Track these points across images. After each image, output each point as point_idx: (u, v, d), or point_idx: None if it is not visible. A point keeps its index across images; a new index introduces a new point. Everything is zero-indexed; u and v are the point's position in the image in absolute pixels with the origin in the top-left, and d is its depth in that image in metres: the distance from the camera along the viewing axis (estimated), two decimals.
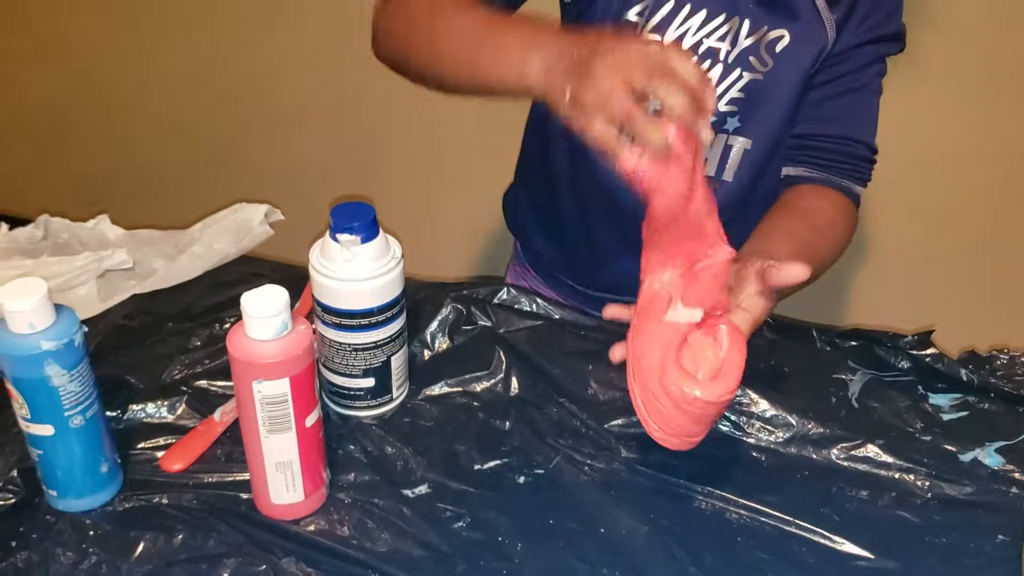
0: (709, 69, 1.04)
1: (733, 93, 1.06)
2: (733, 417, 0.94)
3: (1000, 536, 0.83)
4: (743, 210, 1.15)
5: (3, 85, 2.12)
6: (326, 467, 0.83)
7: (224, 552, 0.77)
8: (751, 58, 1.04)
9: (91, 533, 0.79)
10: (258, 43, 1.84)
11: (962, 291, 1.62)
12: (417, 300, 1.06)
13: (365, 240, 0.85)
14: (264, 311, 0.72)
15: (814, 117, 1.09)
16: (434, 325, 1.04)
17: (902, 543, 0.82)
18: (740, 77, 1.05)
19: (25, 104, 2.11)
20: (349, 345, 0.88)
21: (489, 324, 1.05)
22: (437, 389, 0.98)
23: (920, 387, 0.99)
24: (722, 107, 1.07)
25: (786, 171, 1.12)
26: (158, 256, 1.10)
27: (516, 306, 1.09)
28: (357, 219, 0.84)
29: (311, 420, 0.78)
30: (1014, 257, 1.56)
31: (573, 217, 1.22)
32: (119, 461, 0.84)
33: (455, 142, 1.70)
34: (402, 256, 0.88)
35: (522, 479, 0.88)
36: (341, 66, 1.79)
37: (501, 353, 1.00)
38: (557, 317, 1.08)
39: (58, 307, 0.75)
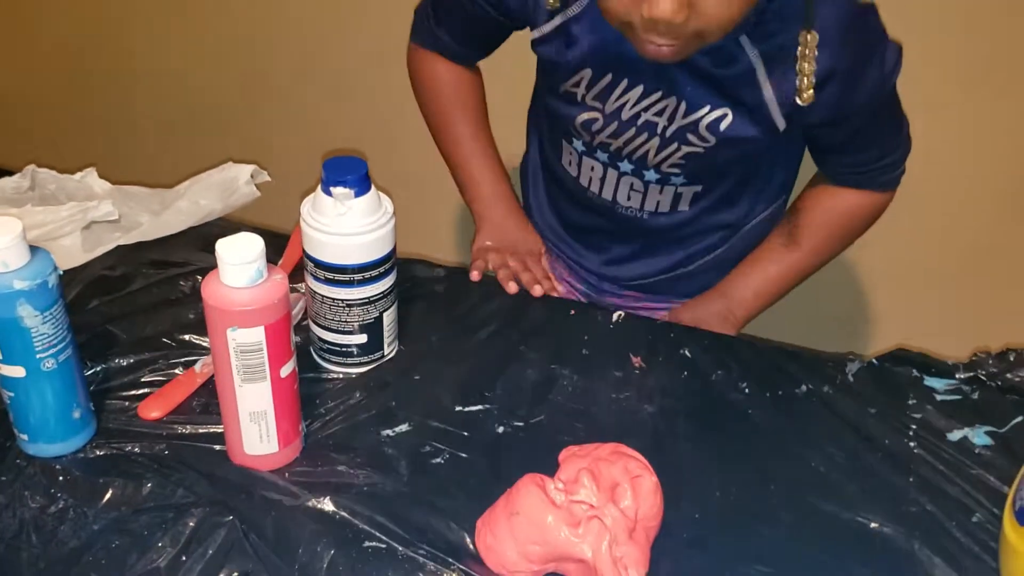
0: (648, 140, 1.03)
1: (674, 160, 1.04)
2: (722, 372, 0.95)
3: (977, 516, 0.83)
4: (713, 224, 1.17)
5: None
6: (302, 420, 0.83)
7: (192, 502, 0.76)
8: (689, 135, 1.01)
9: (61, 479, 0.79)
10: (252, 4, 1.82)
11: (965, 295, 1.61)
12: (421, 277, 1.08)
13: (358, 194, 0.84)
14: (239, 258, 0.71)
15: (829, 158, 1.10)
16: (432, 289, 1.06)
17: (884, 503, 0.83)
18: (679, 149, 1.03)
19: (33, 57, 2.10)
20: (342, 301, 0.87)
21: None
22: (426, 343, 0.98)
23: (915, 370, 0.98)
24: (664, 169, 1.06)
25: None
26: (144, 211, 1.09)
27: None
28: (350, 172, 0.83)
29: (286, 371, 0.77)
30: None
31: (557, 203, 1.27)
32: (92, 409, 0.84)
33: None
34: (394, 212, 0.88)
35: (501, 428, 0.88)
36: (341, 39, 1.77)
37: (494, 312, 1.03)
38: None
39: (33, 249, 0.75)
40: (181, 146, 1.99)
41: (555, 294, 1.08)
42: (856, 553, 0.78)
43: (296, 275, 1.00)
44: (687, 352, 0.99)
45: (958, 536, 0.80)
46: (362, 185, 0.84)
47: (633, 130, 1.03)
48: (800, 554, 0.78)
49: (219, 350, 0.74)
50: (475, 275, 1.08)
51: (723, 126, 0.99)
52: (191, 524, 0.74)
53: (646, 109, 1.00)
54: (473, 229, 1.24)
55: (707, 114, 0.99)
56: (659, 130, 1.02)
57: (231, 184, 1.10)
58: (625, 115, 1.02)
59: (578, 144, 1.10)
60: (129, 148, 2.08)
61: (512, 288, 1.06)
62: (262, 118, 1.92)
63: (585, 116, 1.04)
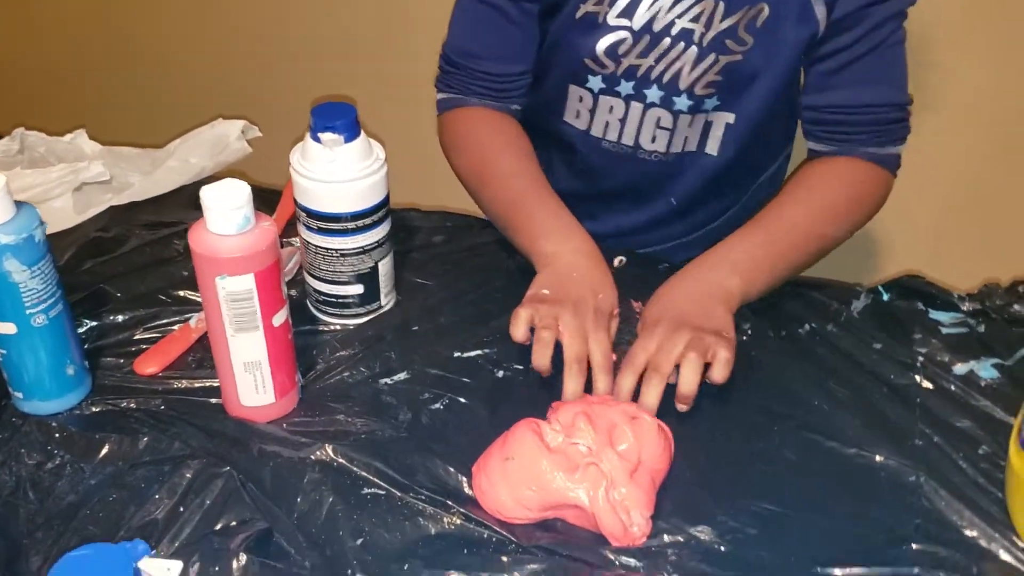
0: (684, 51, 0.98)
1: (709, 77, 1.00)
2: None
3: (983, 448, 0.82)
4: (733, 180, 1.11)
5: None
6: (297, 371, 0.82)
7: (188, 454, 0.76)
8: (727, 41, 0.97)
9: (57, 435, 0.78)
10: None
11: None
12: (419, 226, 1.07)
13: (348, 140, 0.83)
14: (225, 204, 0.70)
15: (827, 87, 1.01)
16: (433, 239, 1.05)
17: (888, 438, 0.82)
18: (716, 61, 0.98)
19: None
20: (336, 251, 0.86)
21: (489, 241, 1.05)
22: (424, 293, 0.97)
23: (920, 304, 0.97)
24: (698, 91, 1.01)
25: (809, 145, 1.06)
26: (135, 171, 1.08)
27: None
28: (339, 118, 0.82)
29: (279, 320, 0.76)
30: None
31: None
32: (87, 366, 0.83)
33: None
34: (385, 159, 0.86)
35: (501, 373, 0.87)
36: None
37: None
38: None
39: (18, 204, 0.74)
40: (171, 107, 1.97)
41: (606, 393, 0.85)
42: (861, 488, 0.78)
43: (291, 231, 0.99)
44: None
45: (964, 467, 0.79)
46: (351, 130, 0.82)
47: (668, 40, 0.97)
48: (805, 491, 0.77)
49: (209, 300, 0.73)
50: (516, 332, 0.87)
51: (759, 22, 0.96)
52: (188, 476, 0.74)
53: (681, 16, 0.96)
54: None
55: (747, 12, 0.95)
56: (696, 38, 0.97)
57: (222, 141, 1.09)
58: (657, 26, 0.97)
59: (595, 82, 1.03)
60: (118, 111, 2.06)
61: (544, 365, 0.85)
62: (251, 73, 1.90)
63: (610, 39, 0.99)
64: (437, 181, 1.17)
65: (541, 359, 0.84)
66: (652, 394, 0.81)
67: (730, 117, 1.03)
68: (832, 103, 1.02)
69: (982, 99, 1.43)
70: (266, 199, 1.06)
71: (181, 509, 0.72)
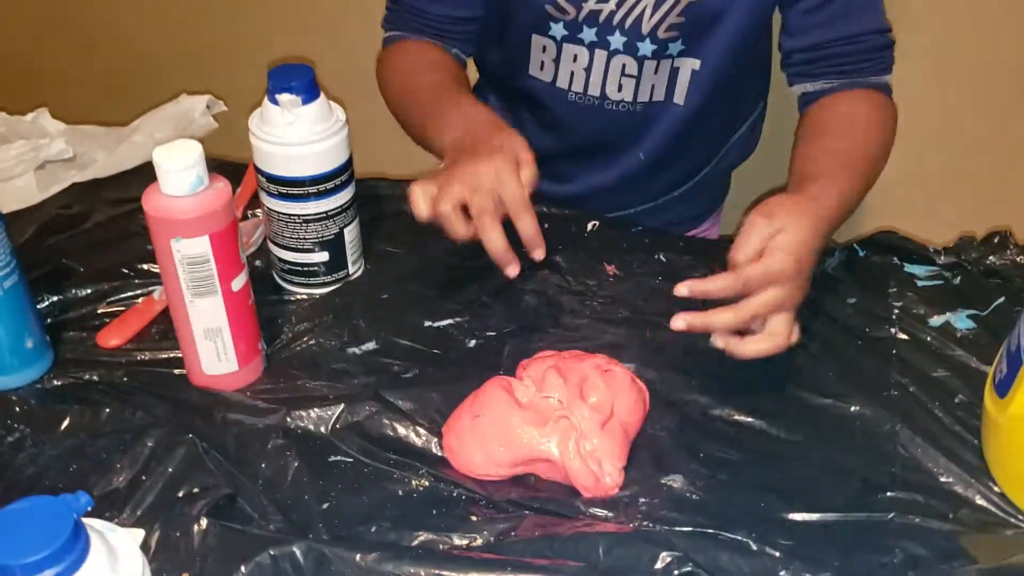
0: None
1: (671, 19, 0.97)
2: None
3: (960, 396, 0.81)
4: (702, 134, 1.09)
5: None
6: (261, 338, 0.81)
7: (151, 423, 0.74)
8: None
9: (17, 409, 0.77)
10: None
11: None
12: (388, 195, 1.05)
13: (306, 100, 0.81)
14: (177, 164, 0.69)
15: (811, 26, 0.98)
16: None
17: (863, 388, 0.81)
18: (677, 2, 0.95)
19: None
20: (299, 216, 0.85)
21: None
22: (393, 261, 0.96)
23: (895, 258, 0.96)
24: (661, 34, 0.98)
25: (801, 88, 1.01)
26: (99, 149, 1.07)
27: None
28: (296, 78, 0.81)
29: (238, 284, 0.75)
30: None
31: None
32: (48, 340, 0.81)
33: None
34: (347, 121, 0.85)
35: (473, 342, 0.86)
36: None
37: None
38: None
39: None
40: (136, 88, 1.94)
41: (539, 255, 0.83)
42: (836, 436, 0.77)
43: (256, 204, 0.97)
44: (662, 257, 0.96)
45: (940, 416, 0.79)
46: (310, 91, 0.81)
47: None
48: (778, 439, 0.76)
49: (166, 265, 0.72)
50: (419, 210, 0.80)
51: None
52: (150, 444, 0.72)
53: None
54: None
55: None
56: None
57: (187, 116, 1.07)
58: None
59: (557, 30, 1.00)
60: (81, 94, 2.04)
61: (460, 235, 0.80)
62: (213, 49, 1.88)
63: None
64: (406, 150, 1.15)
65: (455, 232, 0.79)
66: (727, 318, 0.75)
67: (696, 63, 1.00)
68: (817, 42, 0.99)
69: (952, 48, 1.41)
70: (236, 173, 1.04)
71: (143, 478, 0.70)
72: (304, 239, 0.86)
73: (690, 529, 0.67)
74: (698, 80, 1.02)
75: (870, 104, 0.98)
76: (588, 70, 1.02)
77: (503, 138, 0.84)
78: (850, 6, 0.98)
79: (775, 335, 0.76)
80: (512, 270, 0.81)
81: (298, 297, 0.90)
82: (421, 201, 0.80)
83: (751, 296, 0.75)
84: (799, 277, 0.77)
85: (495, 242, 0.79)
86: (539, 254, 0.81)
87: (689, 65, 1.01)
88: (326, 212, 0.85)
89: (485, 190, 0.79)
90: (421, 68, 1.03)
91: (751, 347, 0.76)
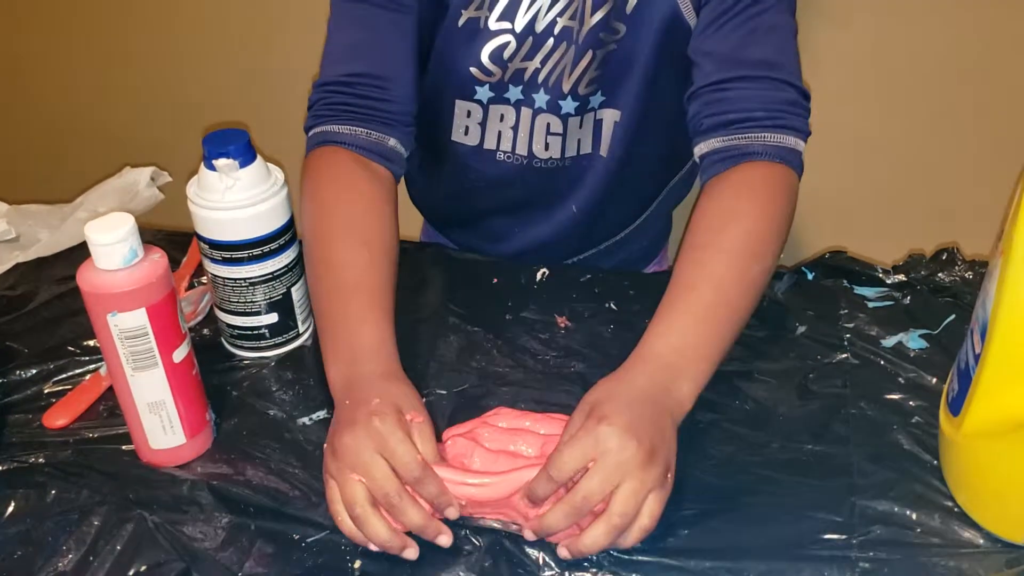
0: (564, 53, 0.96)
1: (590, 74, 0.96)
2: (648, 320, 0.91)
3: (916, 417, 0.81)
4: (630, 185, 1.07)
5: None
6: (209, 408, 0.79)
7: (97, 501, 0.73)
8: (601, 34, 0.94)
9: None
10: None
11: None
12: None
13: (243, 164, 0.81)
14: (109, 238, 0.68)
15: (709, 64, 0.92)
16: None
17: (821, 418, 0.81)
18: (594, 57, 0.95)
19: None
20: (245, 280, 0.85)
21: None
22: None
23: (845, 281, 0.96)
24: (581, 90, 0.97)
25: (697, 150, 0.93)
26: (43, 227, 1.06)
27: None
28: (232, 143, 0.81)
29: (180, 355, 0.74)
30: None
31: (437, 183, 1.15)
32: None
33: None
34: (285, 181, 0.85)
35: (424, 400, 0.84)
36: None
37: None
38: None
39: None
40: (78, 164, 1.94)
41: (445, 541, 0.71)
42: (792, 472, 0.76)
43: (202, 273, 0.97)
44: (613, 305, 0.96)
45: (899, 439, 0.79)
46: (246, 154, 0.81)
47: (551, 41, 0.94)
48: (731, 486, 0.75)
49: (105, 340, 0.71)
50: (352, 537, 0.71)
51: (629, 7, 0.93)
52: (96, 523, 0.71)
53: (561, 14, 0.94)
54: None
55: (614, 2, 0.92)
56: (574, 35, 0.95)
57: (131, 189, 1.07)
58: (539, 27, 0.95)
59: (483, 93, 0.99)
60: (24, 169, 2.04)
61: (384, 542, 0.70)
62: (155, 120, 1.89)
63: (495, 43, 0.96)
64: None
65: (379, 536, 0.69)
66: (599, 539, 0.68)
67: (617, 114, 1.00)
68: (716, 79, 0.91)
69: (897, 63, 1.43)
70: (184, 243, 1.04)
71: (91, 558, 0.69)
72: (251, 302, 0.86)
73: None
74: (619, 130, 1.01)
75: (761, 187, 0.87)
76: (515, 128, 1.01)
77: (383, 397, 0.73)
78: (757, 47, 0.91)
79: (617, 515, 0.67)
80: (410, 553, 0.70)
81: (248, 363, 0.89)
82: (346, 527, 0.70)
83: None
84: (646, 456, 0.68)
85: (412, 519, 0.70)
86: (452, 513, 0.71)
87: (611, 116, 1.00)
88: (271, 273, 0.85)
89: (380, 474, 0.69)
90: (346, 233, 0.87)
91: (587, 538, 0.68)
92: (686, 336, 0.77)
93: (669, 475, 0.70)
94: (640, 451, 0.67)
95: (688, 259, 0.83)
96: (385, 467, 0.69)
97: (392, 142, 0.95)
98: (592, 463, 0.68)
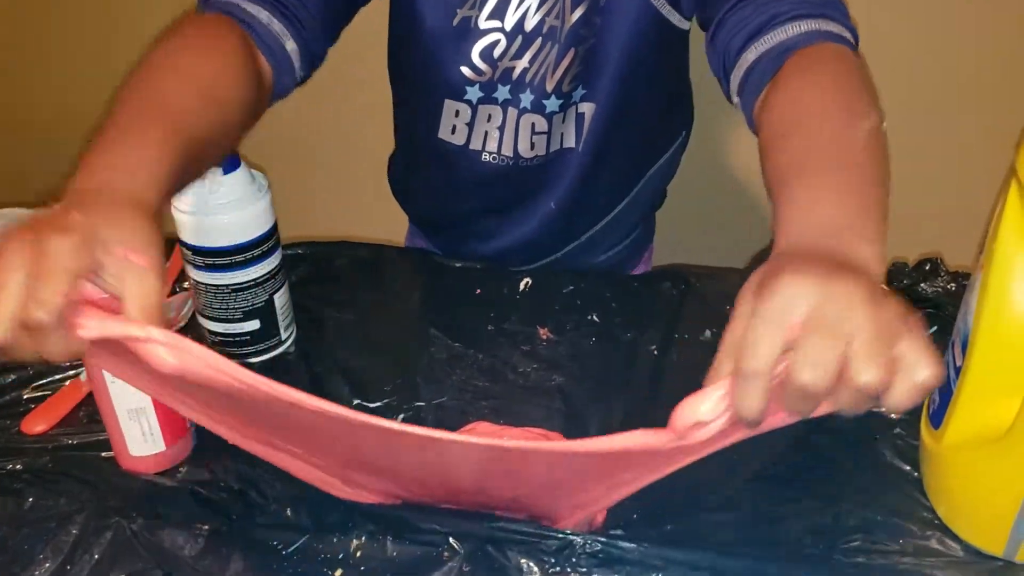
0: (550, 51, 0.96)
1: (573, 71, 0.97)
2: (631, 333, 0.91)
3: (897, 428, 0.81)
4: (597, 176, 1.07)
5: None
6: None
7: (76, 509, 0.72)
8: (581, 31, 0.95)
9: None
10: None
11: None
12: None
13: (227, 170, 0.81)
14: None
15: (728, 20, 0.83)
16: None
17: (804, 428, 0.79)
18: (576, 55, 0.96)
19: None
20: (226, 286, 0.84)
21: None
22: (327, 328, 0.94)
23: None
24: (565, 87, 0.98)
25: (734, 79, 0.82)
26: None
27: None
28: None
29: None
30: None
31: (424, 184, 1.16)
32: None
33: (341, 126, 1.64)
34: (269, 187, 0.85)
35: (401, 416, 0.85)
36: None
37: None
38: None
39: None
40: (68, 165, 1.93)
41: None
42: (774, 482, 0.76)
43: (185, 279, 0.96)
44: (595, 317, 0.96)
45: (881, 450, 0.79)
46: (229, 160, 0.81)
47: (539, 40, 0.95)
48: (713, 496, 0.75)
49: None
50: None
51: (602, 1, 0.94)
52: (74, 531, 0.70)
53: (548, 13, 0.95)
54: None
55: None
56: (558, 35, 0.95)
57: None
58: (528, 25, 0.95)
59: (473, 93, 1.00)
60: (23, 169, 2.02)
61: None
62: None
63: (486, 42, 0.97)
64: (333, 213, 1.14)
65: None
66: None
67: (591, 107, 1.00)
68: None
69: (874, 73, 1.44)
70: (168, 249, 1.03)
71: (68, 567, 0.68)
72: (234, 309, 0.85)
73: None
74: (594, 123, 1.01)
75: (825, 56, 0.75)
76: (501, 129, 1.02)
77: (96, 217, 0.57)
78: None
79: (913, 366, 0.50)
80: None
81: None
82: None
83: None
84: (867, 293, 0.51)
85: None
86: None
87: (588, 110, 1.01)
88: (254, 280, 0.85)
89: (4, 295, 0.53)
90: (177, 64, 0.74)
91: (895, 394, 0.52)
92: (834, 206, 0.60)
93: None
94: (859, 287, 0.50)
95: (777, 148, 0.68)
96: (18, 291, 0.53)
97: (291, 45, 0.85)
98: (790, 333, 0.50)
